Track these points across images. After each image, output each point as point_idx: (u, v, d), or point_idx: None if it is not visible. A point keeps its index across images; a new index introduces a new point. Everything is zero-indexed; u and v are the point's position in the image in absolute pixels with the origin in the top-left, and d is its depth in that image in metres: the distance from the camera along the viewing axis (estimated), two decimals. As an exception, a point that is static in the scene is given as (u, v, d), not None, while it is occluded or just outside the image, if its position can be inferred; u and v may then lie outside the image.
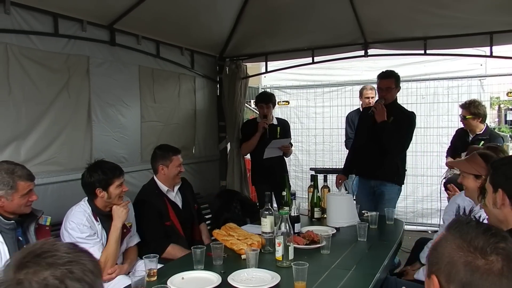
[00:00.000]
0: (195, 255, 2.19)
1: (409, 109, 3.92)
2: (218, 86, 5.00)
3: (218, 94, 5.00)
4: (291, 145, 4.53)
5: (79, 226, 2.40)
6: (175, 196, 3.06)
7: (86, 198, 2.53)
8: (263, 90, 6.27)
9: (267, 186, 3.75)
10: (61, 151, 3.08)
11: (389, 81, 3.66)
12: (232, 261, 2.32)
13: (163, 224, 2.87)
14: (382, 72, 3.74)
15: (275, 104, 4.54)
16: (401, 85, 3.79)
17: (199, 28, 4.08)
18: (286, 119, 4.91)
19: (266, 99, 4.32)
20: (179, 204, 3.07)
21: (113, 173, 2.50)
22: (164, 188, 3.00)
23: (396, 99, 3.76)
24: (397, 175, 3.74)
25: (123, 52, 3.60)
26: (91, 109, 3.31)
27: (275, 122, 4.42)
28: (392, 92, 3.68)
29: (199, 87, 4.68)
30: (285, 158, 4.53)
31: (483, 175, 2.15)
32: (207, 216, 4.19)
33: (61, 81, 3.07)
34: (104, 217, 2.52)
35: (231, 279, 2.00)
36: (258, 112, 4.45)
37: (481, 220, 1.05)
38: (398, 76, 3.71)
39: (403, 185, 3.84)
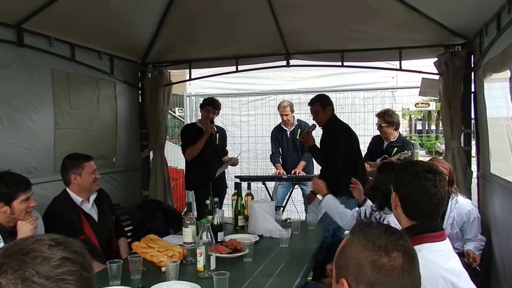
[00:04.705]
0: (111, 270, 2.07)
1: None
2: (140, 92, 4.84)
3: (140, 101, 4.84)
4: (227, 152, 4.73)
5: (-24, 244, 2.16)
6: (90, 208, 2.86)
7: (-14, 213, 2.28)
8: (187, 97, 6.19)
9: (206, 192, 3.62)
10: (-42, 160, 2.76)
11: (314, 106, 3.81)
12: (151, 275, 2.22)
13: (76, 238, 2.65)
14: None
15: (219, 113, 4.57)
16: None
17: (118, 32, 3.92)
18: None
19: (216, 104, 4.39)
20: (95, 216, 2.87)
21: (18, 187, 2.29)
22: (78, 199, 2.79)
23: (330, 118, 3.81)
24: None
25: (33, 54, 3.33)
26: (-5, 115, 3.01)
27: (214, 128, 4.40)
28: (320, 115, 3.80)
29: (120, 93, 4.48)
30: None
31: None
32: (128, 228, 3.99)
33: (-42, 84, 2.76)
34: (7, 233, 2.28)
35: (149, 293, 1.92)
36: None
37: (381, 220, 1.11)
38: (322, 97, 3.85)
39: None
